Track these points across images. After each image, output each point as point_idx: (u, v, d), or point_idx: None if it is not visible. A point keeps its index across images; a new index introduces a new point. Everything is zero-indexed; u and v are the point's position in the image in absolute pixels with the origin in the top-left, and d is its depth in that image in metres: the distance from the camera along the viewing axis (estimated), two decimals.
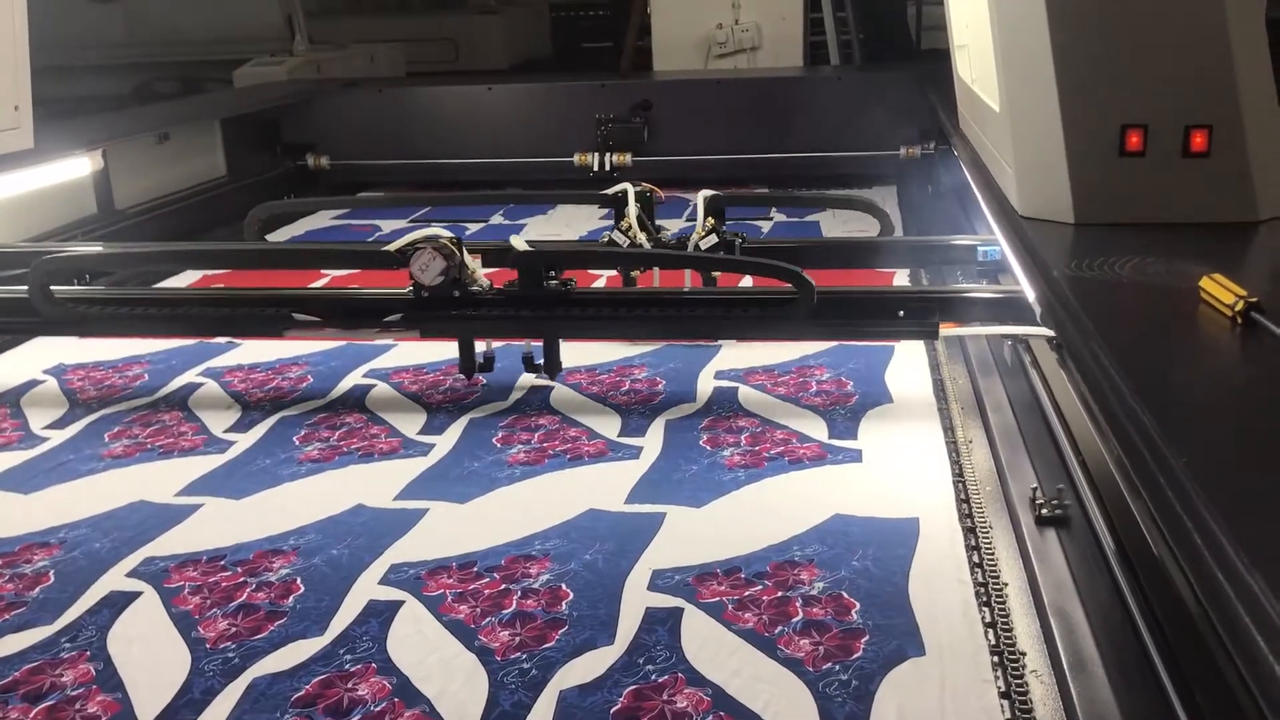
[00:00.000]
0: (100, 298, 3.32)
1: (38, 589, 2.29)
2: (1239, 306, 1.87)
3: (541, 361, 3.13)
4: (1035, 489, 2.34)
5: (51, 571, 2.36)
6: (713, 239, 3.38)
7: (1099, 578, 2.04)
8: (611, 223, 3.54)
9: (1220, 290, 1.94)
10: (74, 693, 1.93)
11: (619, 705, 1.84)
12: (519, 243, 3.04)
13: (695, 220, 3.45)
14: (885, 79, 6.36)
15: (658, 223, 3.61)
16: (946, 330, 2.88)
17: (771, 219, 5.55)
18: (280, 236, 5.57)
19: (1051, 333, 2.53)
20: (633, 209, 3.43)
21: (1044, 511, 2.27)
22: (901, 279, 4.24)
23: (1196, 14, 2.45)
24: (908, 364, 3.37)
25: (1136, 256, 2.28)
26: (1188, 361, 1.86)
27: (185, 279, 4.57)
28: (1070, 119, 2.50)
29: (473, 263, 3.00)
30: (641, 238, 3.39)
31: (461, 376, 3.21)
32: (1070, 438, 2.50)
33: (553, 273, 3.06)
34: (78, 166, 4.59)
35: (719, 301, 3.15)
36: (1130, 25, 2.46)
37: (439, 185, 6.49)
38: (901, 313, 2.93)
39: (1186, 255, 2.25)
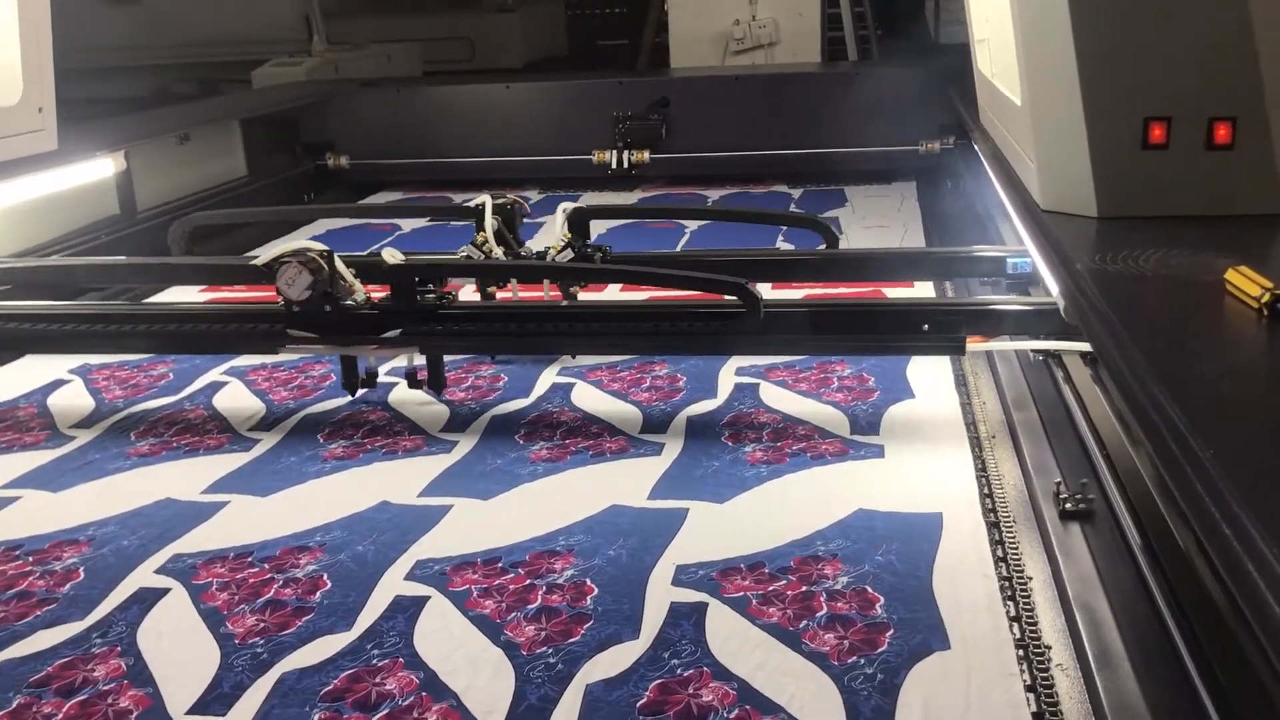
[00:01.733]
0: (89, 314, 3.32)
1: (68, 586, 2.32)
2: (1265, 298, 1.86)
3: (425, 376, 3.13)
4: (1059, 483, 2.34)
5: (81, 568, 2.39)
6: (568, 254, 3.32)
7: (1124, 571, 2.04)
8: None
9: (1246, 282, 1.94)
10: (106, 687, 1.95)
11: (645, 699, 1.85)
12: (391, 256, 2.99)
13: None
14: (903, 74, 6.34)
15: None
16: (974, 345, 2.82)
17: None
18: (301, 237, 5.60)
19: (1085, 346, 2.51)
20: (489, 223, 3.32)
21: (1068, 506, 2.26)
22: (925, 290, 4.22)
23: (1220, 5, 2.44)
24: (930, 360, 3.36)
25: (1161, 249, 2.28)
26: (1213, 353, 1.85)
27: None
28: (1093, 112, 2.50)
29: (349, 276, 2.92)
30: (498, 252, 3.30)
31: (485, 375, 3.22)
32: (1094, 432, 2.50)
33: (430, 286, 2.99)
34: (101, 168, 4.63)
35: (630, 315, 3.01)
36: (1152, 17, 2.45)
37: (457, 184, 6.54)
38: (926, 326, 2.84)
39: (1211, 248, 2.25)
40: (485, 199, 3.35)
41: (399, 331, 2.96)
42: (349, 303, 2.94)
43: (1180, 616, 1.81)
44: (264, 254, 2.92)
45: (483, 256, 3.26)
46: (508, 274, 3.40)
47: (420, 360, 3.16)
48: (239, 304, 3.47)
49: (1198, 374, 1.72)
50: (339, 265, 2.90)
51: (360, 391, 3.18)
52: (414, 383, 3.13)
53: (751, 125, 6.33)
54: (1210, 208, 2.50)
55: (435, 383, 3.15)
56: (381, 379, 3.44)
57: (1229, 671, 1.62)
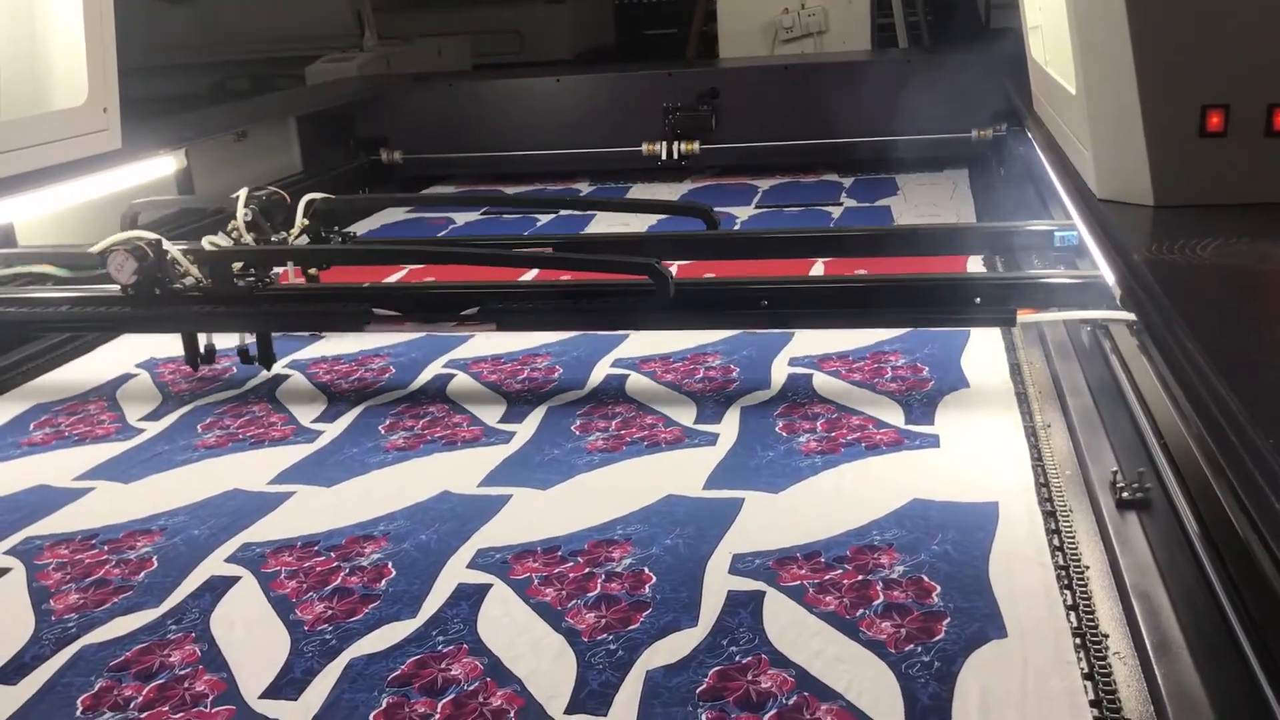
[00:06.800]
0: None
1: (143, 574, 2.39)
2: None
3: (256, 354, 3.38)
4: (1115, 472, 2.34)
5: (154, 557, 2.46)
6: (304, 240, 3.50)
7: (1182, 560, 2.04)
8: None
9: None
10: (182, 672, 2.02)
11: (704, 685, 1.89)
12: (209, 243, 3.22)
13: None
14: (954, 60, 6.29)
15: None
16: (1024, 316, 2.86)
17: (842, 204, 5.55)
18: (357, 230, 5.68)
19: (1132, 316, 2.51)
20: (241, 213, 3.41)
21: (1125, 494, 2.26)
22: (975, 266, 4.22)
23: None
24: (984, 349, 3.36)
25: (1218, 238, 2.27)
26: (1273, 342, 1.85)
27: None
28: (1149, 100, 2.48)
29: (185, 261, 3.16)
30: (248, 239, 3.41)
31: (541, 366, 3.27)
32: (1151, 420, 2.49)
33: (253, 270, 3.23)
34: (162, 165, 4.73)
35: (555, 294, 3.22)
36: (1209, 4, 2.43)
37: (510, 177, 6.62)
38: (978, 300, 2.92)
39: (1271, 236, 2.23)
40: (242, 192, 3.51)
41: (476, 310, 3.08)
42: (178, 286, 3.18)
43: (1240, 605, 1.81)
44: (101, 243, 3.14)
45: (232, 244, 3.41)
46: (325, 259, 3.65)
47: (251, 339, 3.41)
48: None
49: (1257, 363, 1.72)
50: (173, 251, 3.15)
51: (204, 367, 3.52)
52: (246, 359, 3.39)
53: (801, 114, 6.31)
54: (1270, 195, 2.48)
55: (264, 359, 3.40)
56: (441, 371, 3.50)
57: None
